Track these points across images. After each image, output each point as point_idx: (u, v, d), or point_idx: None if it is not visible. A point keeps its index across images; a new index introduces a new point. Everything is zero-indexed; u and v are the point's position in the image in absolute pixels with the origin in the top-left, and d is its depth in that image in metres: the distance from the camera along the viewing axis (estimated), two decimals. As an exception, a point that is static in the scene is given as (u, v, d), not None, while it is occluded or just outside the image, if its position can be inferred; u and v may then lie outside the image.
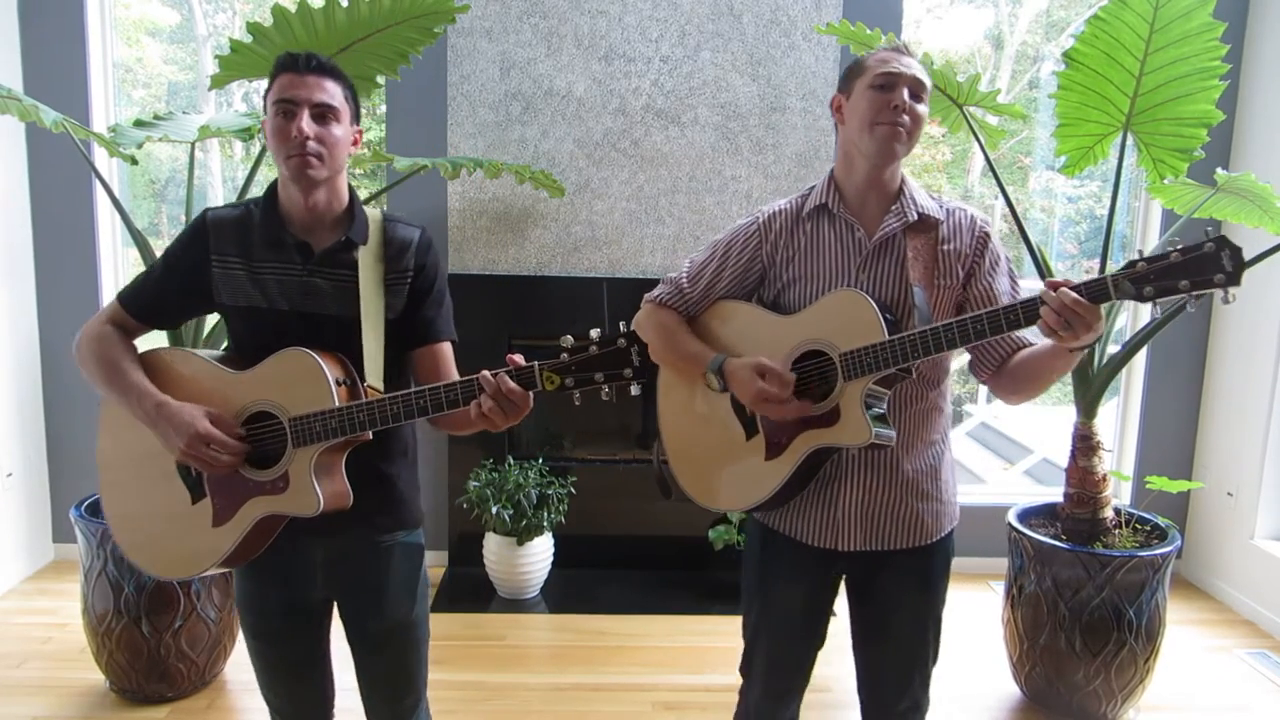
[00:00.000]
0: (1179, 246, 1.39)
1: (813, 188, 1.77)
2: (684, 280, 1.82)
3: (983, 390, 6.86)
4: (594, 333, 1.47)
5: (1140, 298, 1.40)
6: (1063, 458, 2.87)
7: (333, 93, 1.55)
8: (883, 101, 1.62)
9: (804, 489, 1.73)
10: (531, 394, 1.47)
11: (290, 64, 1.54)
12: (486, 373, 1.47)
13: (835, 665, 1.95)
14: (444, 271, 1.71)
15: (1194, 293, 1.38)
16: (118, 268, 3.78)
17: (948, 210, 1.73)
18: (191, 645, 2.74)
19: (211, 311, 1.68)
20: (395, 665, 1.73)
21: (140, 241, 2.77)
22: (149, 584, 2.65)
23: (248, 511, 1.55)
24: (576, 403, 1.48)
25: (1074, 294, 1.40)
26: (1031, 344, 1.68)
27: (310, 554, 1.65)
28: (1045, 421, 6.43)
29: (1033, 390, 1.68)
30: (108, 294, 3.72)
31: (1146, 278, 1.39)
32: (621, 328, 1.49)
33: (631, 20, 3.53)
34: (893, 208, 1.70)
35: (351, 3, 2.50)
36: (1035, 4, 5.83)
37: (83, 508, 2.78)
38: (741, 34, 3.54)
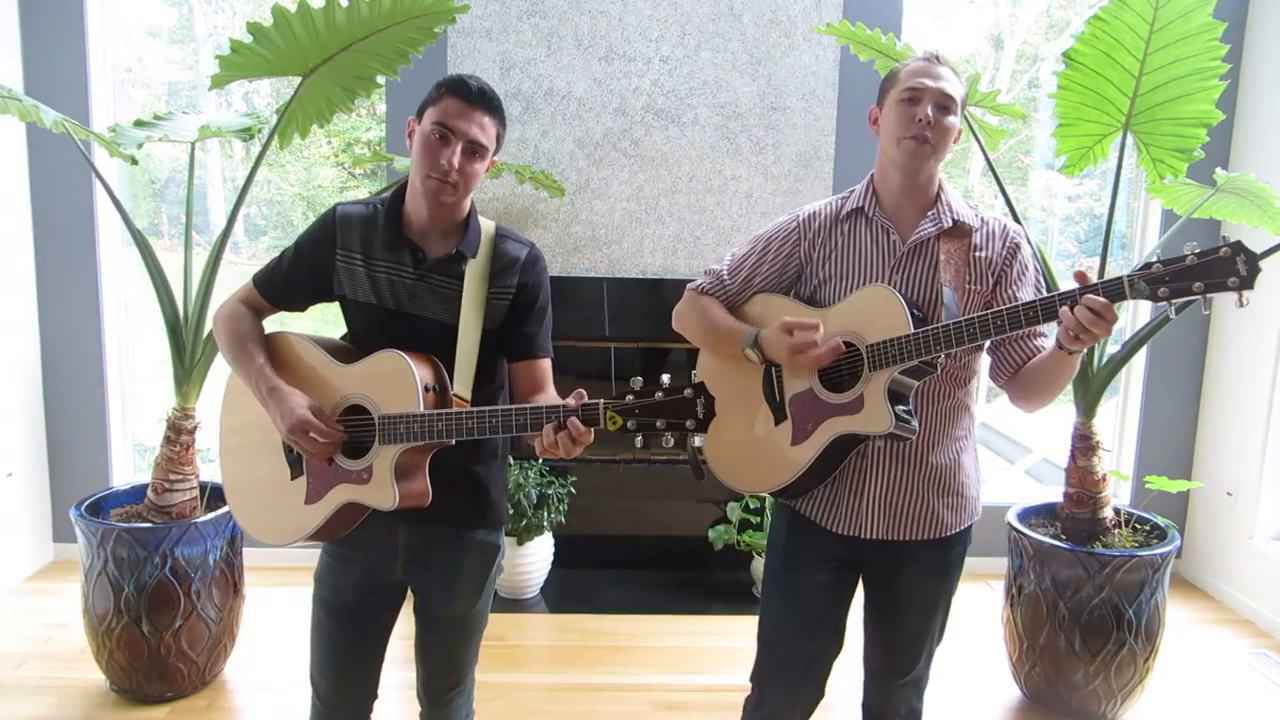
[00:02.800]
0: (1196, 250, 1.42)
1: (852, 190, 1.83)
2: (724, 272, 1.89)
3: (983, 390, 6.86)
4: (665, 378, 1.51)
5: (1154, 298, 1.45)
6: (1062, 458, 2.88)
7: (489, 132, 1.63)
8: (908, 116, 1.69)
9: (828, 476, 1.78)
10: (592, 432, 1.52)
11: (463, 91, 1.61)
12: (561, 410, 1.52)
13: (839, 667, 1.95)
14: (548, 289, 1.79)
15: (1207, 294, 1.41)
16: (118, 268, 3.78)
17: (982, 219, 1.80)
18: (191, 645, 2.74)
19: (334, 300, 1.77)
20: (451, 651, 1.84)
21: (140, 241, 2.77)
22: (149, 584, 2.66)
23: (334, 496, 1.65)
24: (638, 445, 1.53)
25: (1100, 299, 1.46)
26: (1042, 350, 1.74)
27: (396, 539, 1.73)
28: (1045, 421, 6.42)
29: (1042, 396, 1.75)
30: (108, 294, 3.72)
31: (1162, 279, 1.44)
32: (692, 378, 1.53)
33: (631, 20, 3.53)
34: (929, 213, 1.76)
35: (351, 3, 2.50)
36: (1035, 4, 5.83)
37: (83, 507, 2.78)
38: (741, 34, 3.54)
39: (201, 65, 4.76)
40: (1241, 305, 1.41)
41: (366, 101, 3.48)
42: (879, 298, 1.68)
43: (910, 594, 1.86)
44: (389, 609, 1.82)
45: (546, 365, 1.77)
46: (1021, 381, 1.76)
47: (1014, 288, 1.76)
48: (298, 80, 2.68)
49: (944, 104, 1.69)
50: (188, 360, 2.80)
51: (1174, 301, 1.45)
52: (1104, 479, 2.79)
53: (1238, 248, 1.40)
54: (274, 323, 1.84)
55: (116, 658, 2.71)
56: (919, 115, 1.67)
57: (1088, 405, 2.79)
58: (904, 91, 1.70)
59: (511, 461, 3.54)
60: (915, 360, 1.61)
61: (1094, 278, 1.54)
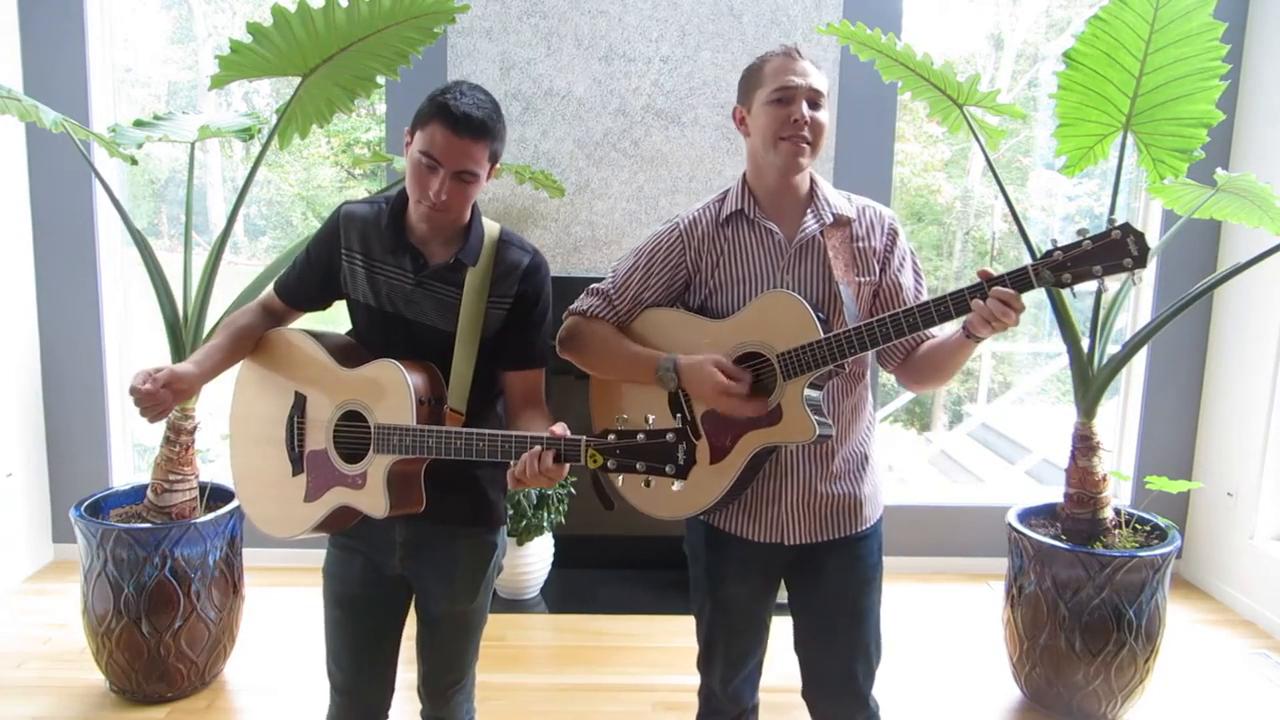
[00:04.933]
0: (1089, 235, 1.47)
1: (726, 192, 1.80)
2: (611, 290, 1.83)
3: (983, 391, 6.86)
4: (649, 418, 1.51)
5: (1059, 284, 1.50)
6: (1063, 458, 2.87)
7: (478, 159, 1.58)
8: (783, 116, 1.67)
9: (746, 489, 1.76)
10: (566, 468, 1.52)
11: (449, 120, 1.54)
12: (537, 447, 1.50)
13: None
14: (549, 297, 1.76)
15: (1105, 276, 1.47)
16: (118, 268, 3.78)
17: (859, 208, 1.79)
18: (191, 645, 2.74)
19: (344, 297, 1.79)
20: (452, 648, 1.85)
21: (140, 241, 2.77)
22: (149, 584, 2.65)
23: (330, 497, 1.68)
24: (619, 485, 1.55)
25: (1008, 290, 1.49)
26: (933, 336, 1.75)
27: (392, 534, 1.74)
28: (1045, 421, 6.43)
29: (938, 380, 1.76)
30: (108, 294, 3.72)
31: (1064, 265, 1.49)
32: (677, 421, 1.54)
33: (631, 20, 3.53)
34: (809, 210, 1.74)
35: (351, 3, 2.50)
36: (1035, 4, 5.82)
37: (83, 508, 2.78)
38: (741, 34, 3.54)
39: (201, 65, 4.76)
40: (1135, 284, 1.47)
41: (366, 102, 3.48)
42: (783, 304, 1.65)
43: (836, 599, 1.82)
44: (396, 602, 1.83)
45: (540, 375, 1.76)
46: (916, 366, 1.76)
47: (896, 274, 1.77)
48: (298, 80, 2.68)
49: (815, 100, 1.68)
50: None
51: (1076, 287, 1.50)
52: (1104, 479, 2.79)
53: (1127, 229, 1.45)
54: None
55: (116, 658, 2.71)
56: (794, 115, 1.65)
57: (1088, 405, 2.79)
58: (774, 92, 1.67)
59: (512, 461, 3.53)
60: (831, 365, 1.60)
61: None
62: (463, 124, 1.54)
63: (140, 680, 2.73)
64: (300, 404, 1.74)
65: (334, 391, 1.69)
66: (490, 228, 1.72)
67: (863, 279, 1.74)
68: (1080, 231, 1.50)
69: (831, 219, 1.73)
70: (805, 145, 1.67)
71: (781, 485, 1.76)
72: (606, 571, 3.78)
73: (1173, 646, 3.12)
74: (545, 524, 3.46)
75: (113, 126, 2.85)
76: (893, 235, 1.78)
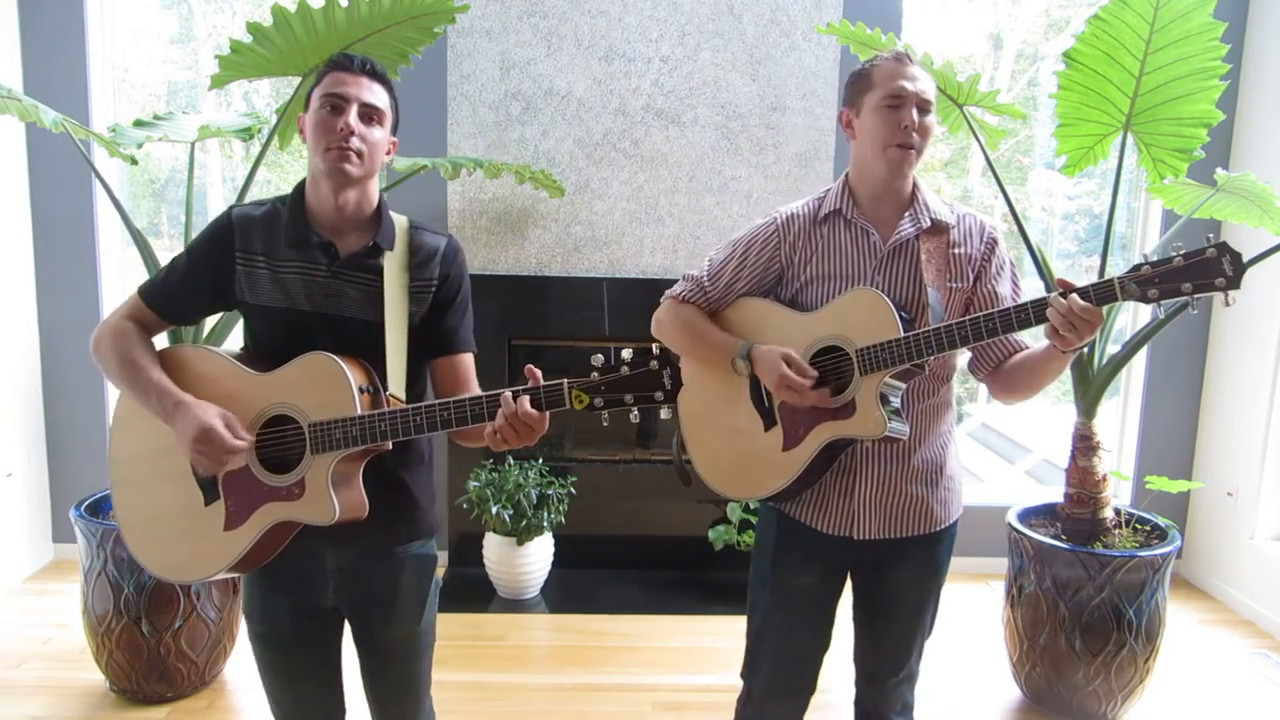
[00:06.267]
0: (1182, 251, 1.45)
1: (828, 191, 1.82)
2: (705, 278, 1.87)
3: (983, 390, 6.85)
4: (626, 353, 1.46)
5: (1145, 299, 1.48)
6: (1063, 458, 2.87)
7: (380, 96, 1.56)
8: (894, 122, 1.68)
9: (818, 479, 1.77)
10: (547, 417, 1.46)
11: (344, 63, 1.54)
12: (508, 392, 1.45)
13: (834, 665, 1.96)
14: (468, 281, 1.70)
15: (1195, 295, 1.45)
16: (118, 268, 3.78)
17: (959, 215, 1.80)
18: (191, 645, 2.74)
19: (232, 309, 1.66)
20: (402, 677, 1.73)
21: (140, 241, 2.77)
22: (149, 584, 2.65)
23: (261, 517, 1.52)
24: (605, 424, 1.48)
25: (1082, 301, 1.48)
26: (1028, 346, 1.75)
27: (323, 560, 1.63)
28: (1045, 421, 6.42)
29: (1027, 391, 1.76)
30: (108, 294, 3.72)
31: (1151, 280, 1.47)
32: (654, 349, 1.49)
33: (631, 20, 3.53)
34: (907, 213, 1.76)
35: (351, 3, 2.50)
36: (1035, 3, 5.83)
37: (83, 508, 2.78)
38: (741, 34, 3.54)
39: (201, 65, 4.76)
40: (1228, 305, 1.45)
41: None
42: (867, 301, 1.68)
43: (901, 592, 1.86)
44: (332, 633, 1.72)
45: (469, 360, 1.69)
46: (1006, 375, 1.76)
47: (993, 283, 1.77)
48: (298, 80, 2.68)
49: (924, 106, 1.69)
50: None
51: (1163, 302, 1.48)
52: (1104, 479, 2.79)
53: (1223, 248, 1.44)
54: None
55: (116, 658, 2.71)
56: (904, 121, 1.67)
57: (1088, 405, 2.79)
58: (885, 98, 1.68)
59: (512, 462, 3.54)
60: (907, 364, 1.62)
61: (1081, 281, 1.55)
62: (359, 64, 1.54)
63: (140, 680, 2.73)
64: None
65: (251, 400, 1.54)
66: (399, 217, 1.65)
67: (955, 285, 1.75)
68: (1175, 247, 1.48)
69: (929, 224, 1.75)
70: (913, 152, 1.69)
71: (855, 480, 1.77)
72: (606, 571, 3.78)
73: (1173, 646, 3.12)
74: (545, 524, 3.46)
75: (113, 126, 2.85)
76: (991, 243, 1.78)
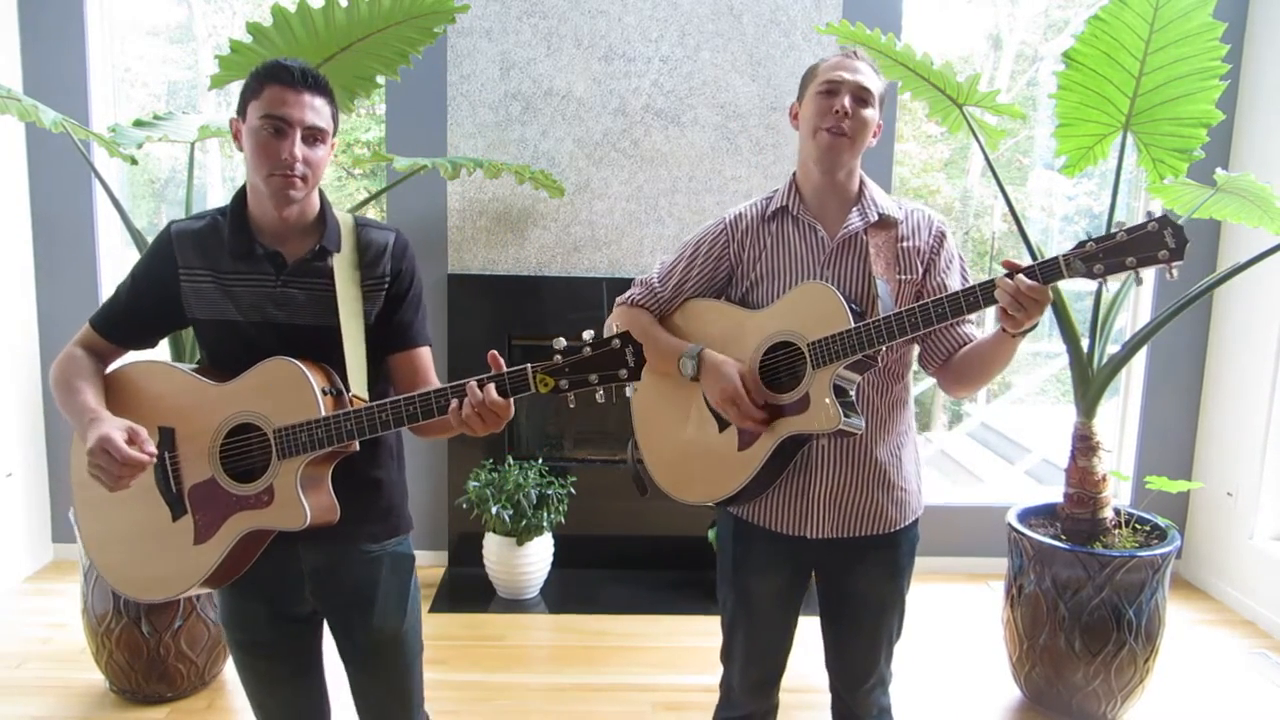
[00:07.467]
0: (1125, 226, 1.47)
1: (776, 190, 1.84)
2: (655, 280, 1.88)
3: (983, 390, 6.86)
4: (587, 334, 1.45)
5: (1090, 275, 1.49)
6: (1062, 458, 2.87)
7: (323, 114, 1.51)
8: (825, 107, 1.70)
9: (777, 479, 1.77)
10: (512, 403, 1.45)
11: (284, 76, 1.47)
12: (473, 381, 1.45)
13: (821, 665, 1.97)
14: (420, 275, 1.67)
15: (1139, 269, 1.47)
16: (117, 268, 3.78)
17: (907, 211, 1.81)
18: (191, 645, 2.74)
19: (186, 326, 1.63)
20: (390, 684, 1.70)
21: (140, 241, 2.77)
22: (149, 584, 2.65)
23: (231, 527, 1.50)
24: (571, 405, 1.48)
25: (1029, 280, 1.49)
26: (975, 339, 1.76)
27: (298, 564, 1.61)
28: (1045, 421, 6.43)
29: (979, 381, 1.77)
30: (107, 294, 3.68)
31: (1096, 256, 1.48)
32: (615, 328, 1.49)
33: (631, 20, 3.53)
34: (854, 209, 1.77)
35: (351, 3, 2.50)
36: (1034, 4, 5.83)
37: (82, 508, 2.77)
38: (741, 34, 3.54)
39: (201, 65, 4.76)
40: (1170, 278, 1.46)
41: (366, 101, 3.48)
42: (816, 294, 1.68)
43: (863, 595, 1.86)
44: (309, 634, 1.71)
45: (427, 354, 1.66)
46: (957, 368, 1.76)
47: (942, 275, 1.78)
48: (297, 80, 2.68)
49: (861, 96, 1.69)
50: (186, 361, 2.80)
51: (1108, 278, 1.49)
52: (1104, 479, 2.79)
53: (1164, 222, 1.45)
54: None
55: (116, 658, 2.71)
56: (835, 106, 1.68)
57: (1088, 405, 2.79)
58: (821, 85, 1.70)
59: (511, 462, 3.54)
60: (859, 354, 1.62)
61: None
62: (300, 77, 1.47)
63: (140, 680, 2.73)
64: (168, 437, 1.54)
65: (213, 411, 1.53)
66: (344, 216, 1.62)
67: (904, 277, 1.75)
68: (1118, 224, 1.49)
69: (876, 218, 1.75)
70: (843, 137, 1.69)
71: (810, 478, 1.77)
72: (606, 571, 3.78)
73: (1172, 646, 3.12)
74: (545, 524, 3.46)
75: (113, 126, 2.85)
76: (940, 237, 1.79)
